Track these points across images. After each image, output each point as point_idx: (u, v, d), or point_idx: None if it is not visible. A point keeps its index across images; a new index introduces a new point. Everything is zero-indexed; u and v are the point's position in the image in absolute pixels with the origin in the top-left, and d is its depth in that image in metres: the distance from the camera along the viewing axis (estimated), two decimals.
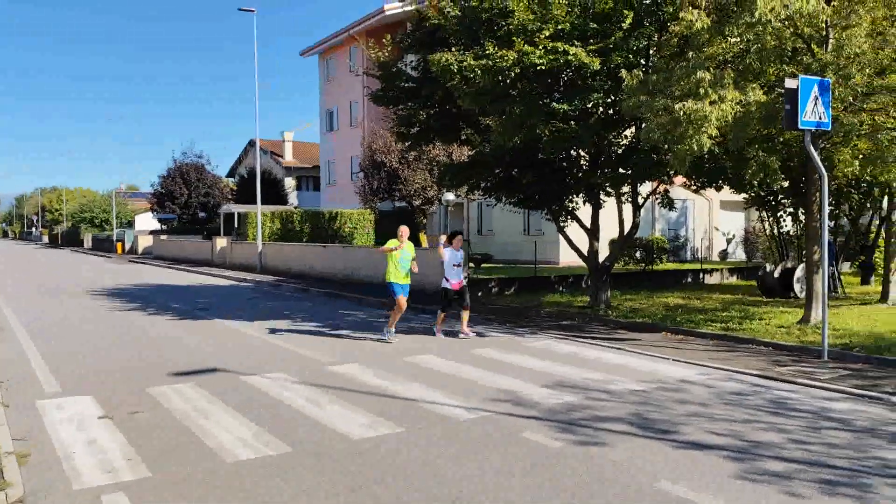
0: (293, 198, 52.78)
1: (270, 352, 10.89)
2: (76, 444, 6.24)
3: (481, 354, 10.54)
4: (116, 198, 71.56)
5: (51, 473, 5.53)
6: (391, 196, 31.07)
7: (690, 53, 10.58)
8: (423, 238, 32.09)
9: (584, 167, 14.65)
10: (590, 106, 12.61)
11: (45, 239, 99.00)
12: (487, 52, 11.75)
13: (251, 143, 54.57)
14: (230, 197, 50.83)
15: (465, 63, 11.92)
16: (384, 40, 16.01)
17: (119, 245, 53.75)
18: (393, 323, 11.86)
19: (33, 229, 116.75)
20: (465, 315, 12.24)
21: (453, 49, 12.67)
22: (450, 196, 24.79)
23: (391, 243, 11.74)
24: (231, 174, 60.27)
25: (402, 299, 11.76)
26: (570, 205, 15.60)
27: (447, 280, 12.19)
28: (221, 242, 35.70)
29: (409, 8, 22.08)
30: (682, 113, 9.85)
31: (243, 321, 14.51)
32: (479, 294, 18.17)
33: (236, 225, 38.61)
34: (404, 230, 11.90)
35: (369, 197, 32.21)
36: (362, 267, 22.89)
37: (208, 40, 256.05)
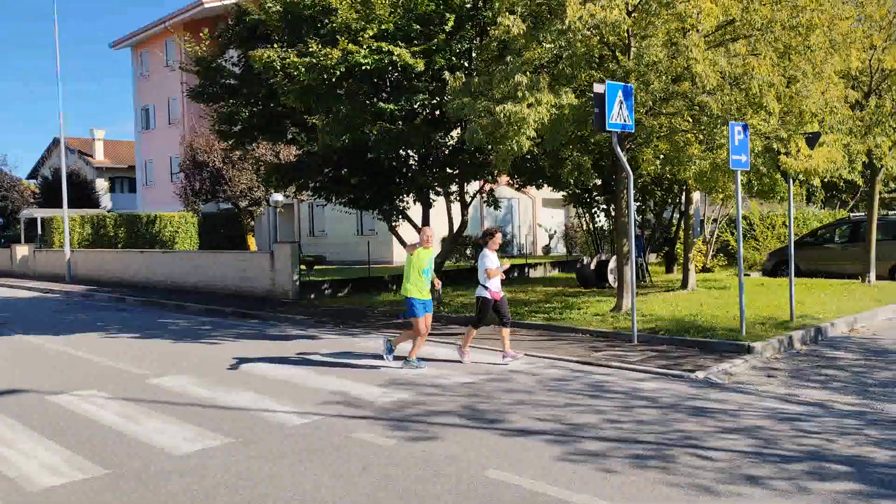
0: (106, 200, 48.95)
1: (81, 367, 10.01)
2: None
3: (314, 358, 10.36)
4: None
5: None
6: (215, 197, 29.72)
7: (509, 58, 11.05)
8: (251, 241, 31.03)
9: (414, 167, 14.86)
10: (416, 107, 12.81)
11: None
12: (311, 49, 11.56)
13: (55, 142, 49.88)
14: (32, 201, 46.16)
15: (288, 60, 11.66)
16: (202, 34, 15.28)
17: None
18: (414, 353, 9.35)
19: None
20: (508, 332, 9.81)
21: (276, 46, 12.33)
22: (278, 197, 24.17)
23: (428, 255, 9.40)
24: (33, 175, 54.79)
25: (426, 322, 9.35)
26: (401, 204, 15.76)
27: (486, 288, 9.65)
28: (23, 250, 32.34)
29: (228, 1, 21.22)
30: (502, 115, 10.25)
31: (49, 335, 13.23)
32: (312, 296, 17.87)
33: (40, 231, 35.16)
34: (430, 232, 9.54)
35: (191, 199, 30.58)
36: (186, 273, 21.70)
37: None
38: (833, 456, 5.57)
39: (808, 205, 29.18)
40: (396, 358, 9.64)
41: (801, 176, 11.61)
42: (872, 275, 17.26)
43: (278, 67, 11.86)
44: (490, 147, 11.77)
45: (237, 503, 4.93)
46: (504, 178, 17.73)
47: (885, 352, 9.82)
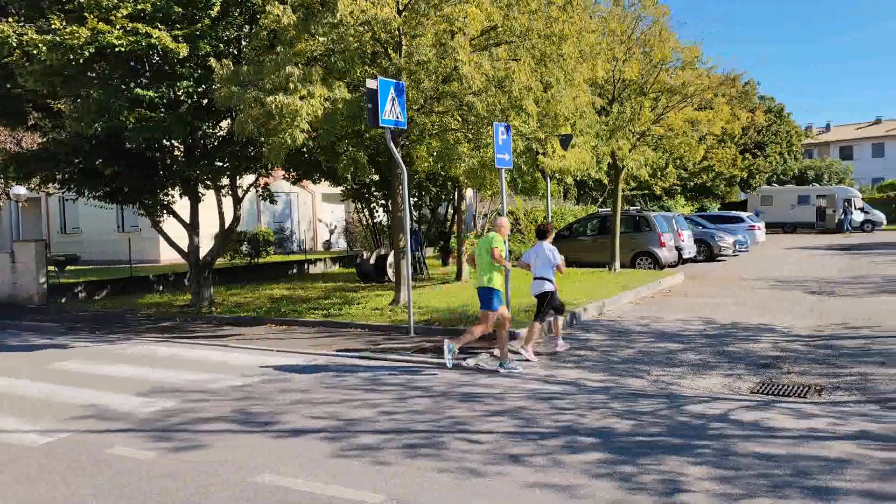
0: None
1: None
2: None
3: (61, 368, 9.30)
4: None
5: None
6: None
7: (280, 48, 10.73)
8: None
9: (180, 159, 13.89)
10: (180, 94, 11.97)
11: None
12: (54, 27, 10.33)
13: None
14: None
15: (26, 37, 10.31)
16: None
17: None
18: (506, 352, 8.71)
19: None
20: (562, 321, 9.85)
21: (11, 20, 10.86)
22: (20, 190, 21.40)
23: (496, 241, 8.59)
24: None
25: (506, 311, 9.05)
26: (166, 199, 14.67)
27: (549, 281, 9.20)
28: None
29: None
30: (274, 106, 9.93)
31: None
32: (63, 301, 16.09)
33: None
34: (505, 222, 9.00)
35: None
36: None
37: None
38: (584, 429, 6.10)
39: (564, 201, 32.00)
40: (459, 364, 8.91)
41: (556, 174, 12.63)
42: (617, 263, 19.30)
43: (14, 45, 10.45)
44: (262, 139, 11.36)
45: None
46: (279, 172, 17.25)
47: (627, 332, 10.99)
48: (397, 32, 11.37)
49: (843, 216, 37.98)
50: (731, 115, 19.65)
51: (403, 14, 11.18)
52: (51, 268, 17.20)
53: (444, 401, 7.16)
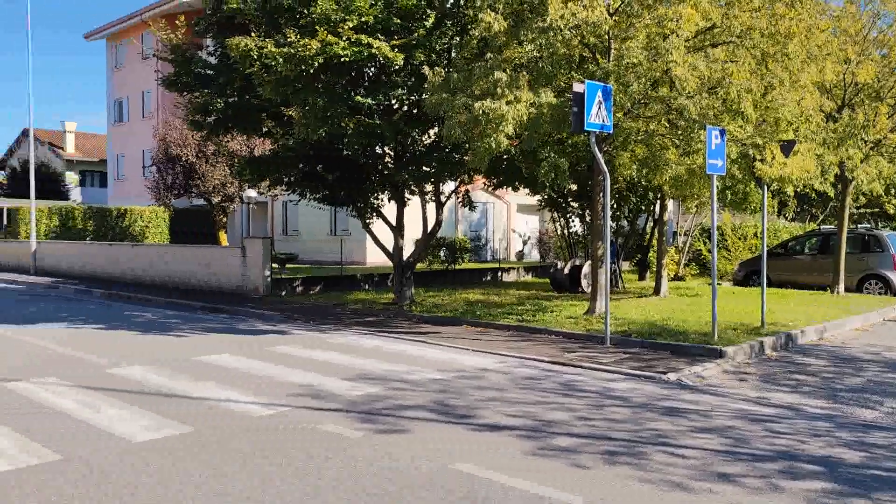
0: (76, 193, 48.01)
1: (41, 356, 9.70)
2: None
3: (280, 351, 10.15)
4: None
5: None
6: (188, 192, 29.21)
7: (489, 55, 10.97)
8: (223, 237, 30.62)
9: (389, 164, 14.70)
10: (393, 102, 12.67)
11: None
12: (290, 40, 11.38)
13: (24, 133, 48.88)
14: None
15: (265, 50, 11.45)
16: (177, 22, 15.00)
17: None
18: None
19: None
20: None
21: (253, 35, 12.13)
22: (251, 192, 23.87)
23: None
24: (0, 167, 53.60)
25: None
26: (376, 202, 15.59)
27: None
28: None
29: None
30: (481, 111, 10.17)
31: (9, 325, 12.83)
32: (283, 293, 17.61)
33: (6, 222, 34.34)
34: None
35: (163, 193, 30.01)
36: (154, 267, 21.28)
37: None
38: (805, 456, 5.53)
39: (779, 217, 29.56)
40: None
41: (775, 183, 11.68)
42: (841, 286, 17.46)
43: (255, 57, 11.65)
44: (467, 145, 11.67)
45: (186, 494, 4.74)
46: (480, 180, 17.64)
47: (854, 359, 9.88)
48: (606, 36, 11.17)
49: None
50: None
51: (614, 17, 10.97)
52: (274, 265, 18.90)
53: (645, 412, 6.86)
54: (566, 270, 18.56)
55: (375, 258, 25.69)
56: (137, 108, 39.81)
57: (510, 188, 16.98)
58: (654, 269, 18.69)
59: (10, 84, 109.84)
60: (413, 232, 16.74)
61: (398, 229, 15.35)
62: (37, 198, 28.96)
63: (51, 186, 43.04)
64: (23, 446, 5.66)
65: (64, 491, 4.74)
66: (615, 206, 20.34)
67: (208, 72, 14.74)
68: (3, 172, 51.01)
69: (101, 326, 12.84)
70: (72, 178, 49.01)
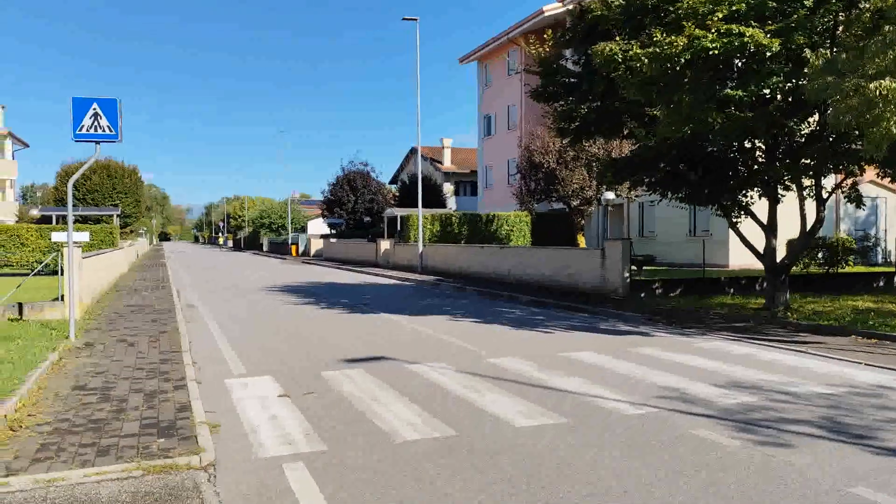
0: (451, 202, 53.83)
1: (431, 343, 11.12)
2: (259, 418, 6.68)
3: (644, 353, 10.12)
4: (291, 205, 76.52)
5: (237, 443, 5.93)
6: (548, 197, 30.78)
7: (887, 27, 9.55)
8: (580, 240, 31.56)
9: (760, 158, 13.67)
10: (766, 92, 11.75)
11: (230, 243, 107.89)
12: (655, 39, 11.29)
13: (412, 151, 56.34)
14: (392, 202, 52.78)
15: (630, 52, 11.53)
16: (545, 35, 15.91)
17: (293, 248, 57.59)
18: None
19: (219, 235, 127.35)
20: None
21: (617, 40, 12.31)
22: (609, 195, 24.19)
23: None
24: (393, 181, 62.55)
25: None
26: (744, 200, 14.62)
27: None
28: (385, 245, 37.11)
29: (570, 6, 21.84)
30: (877, 93, 8.91)
31: (405, 315, 14.94)
32: (642, 295, 17.51)
33: (398, 228, 39.96)
34: None
35: (526, 199, 32.11)
36: (519, 267, 22.85)
37: (368, 48, 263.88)
38: None
39: None
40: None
41: None
42: None
43: (620, 60, 11.80)
44: (857, 132, 10.31)
45: (559, 487, 5.00)
46: (870, 173, 15.41)
47: None
48: None
49: None
50: None
51: None
52: (632, 267, 18.91)
53: None
54: None
55: (739, 260, 24.07)
56: (503, 121, 43.15)
57: None
58: None
59: (394, 108, 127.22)
60: (783, 232, 15.32)
61: (770, 229, 14.19)
62: (422, 206, 33.20)
63: (432, 196, 48.89)
64: (426, 420, 6.55)
65: (458, 466, 5.38)
66: None
67: (572, 80, 15.35)
68: (395, 185, 59.54)
69: (478, 320, 14.20)
70: (448, 188, 55.09)
